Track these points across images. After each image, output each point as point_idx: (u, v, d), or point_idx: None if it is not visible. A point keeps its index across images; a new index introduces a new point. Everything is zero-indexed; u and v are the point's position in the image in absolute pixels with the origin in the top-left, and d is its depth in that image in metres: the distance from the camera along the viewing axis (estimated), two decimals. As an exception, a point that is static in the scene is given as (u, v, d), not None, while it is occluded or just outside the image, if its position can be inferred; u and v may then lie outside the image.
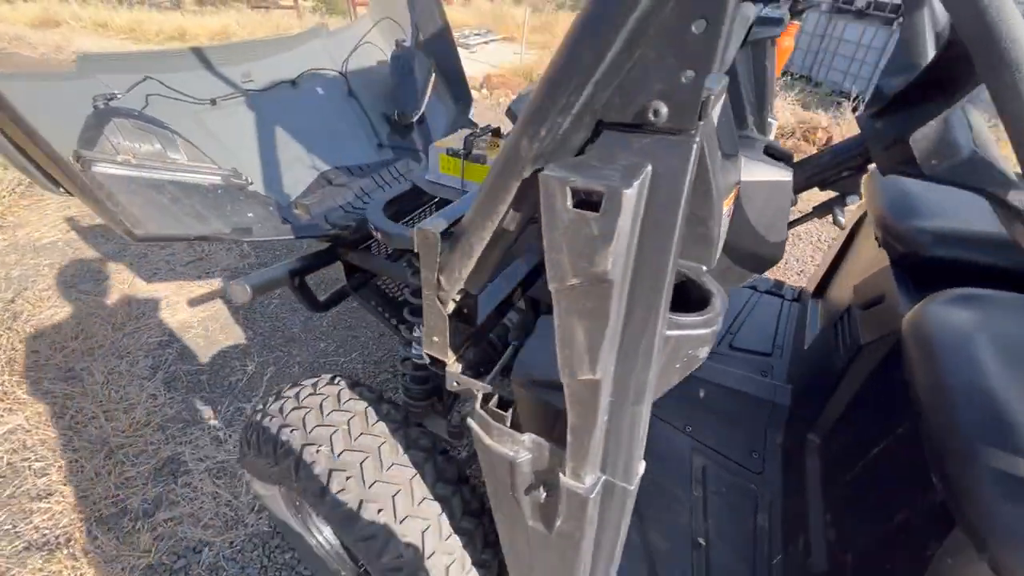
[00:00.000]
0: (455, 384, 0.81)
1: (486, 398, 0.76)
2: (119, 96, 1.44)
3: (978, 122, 0.99)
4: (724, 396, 1.77)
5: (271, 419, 1.18)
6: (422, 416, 1.53)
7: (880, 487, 1.02)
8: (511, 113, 1.47)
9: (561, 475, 0.67)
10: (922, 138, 0.96)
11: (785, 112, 5.99)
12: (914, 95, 0.99)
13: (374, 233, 1.44)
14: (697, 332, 0.62)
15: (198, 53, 1.85)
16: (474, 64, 8.39)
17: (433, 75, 2.32)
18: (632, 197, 0.50)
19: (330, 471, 1.06)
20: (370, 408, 1.17)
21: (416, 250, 0.72)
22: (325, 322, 2.83)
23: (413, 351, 1.30)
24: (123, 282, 3.05)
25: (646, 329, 0.56)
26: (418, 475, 1.09)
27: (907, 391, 0.92)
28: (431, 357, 0.83)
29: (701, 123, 0.47)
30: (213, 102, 1.80)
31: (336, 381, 1.26)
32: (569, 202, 0.53)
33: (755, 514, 1.44)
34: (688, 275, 0.71)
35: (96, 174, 1.26)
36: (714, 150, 0.72)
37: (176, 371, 2.45)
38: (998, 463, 0.71)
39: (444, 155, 1.55)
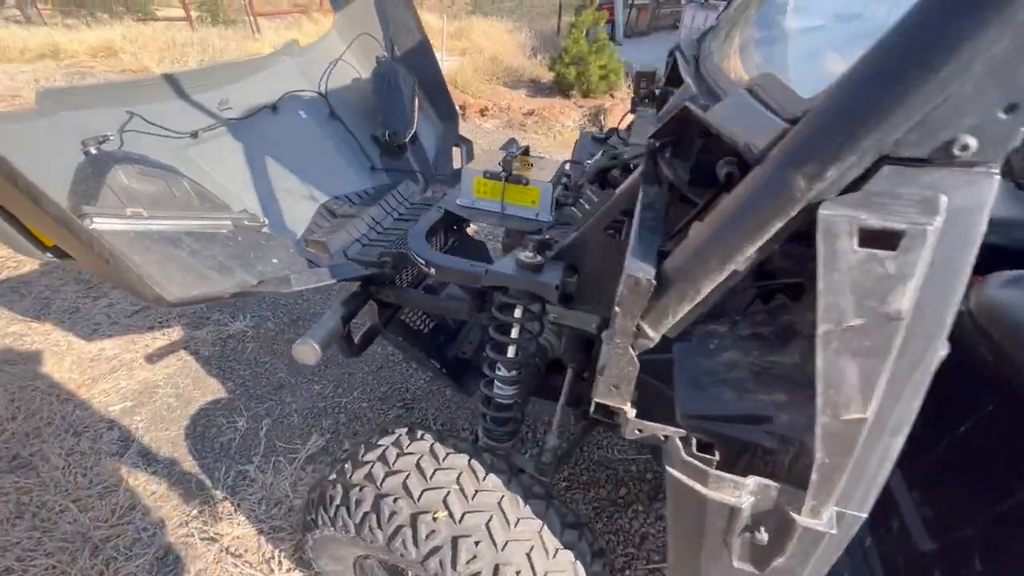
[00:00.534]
0: (637, 432, 0.76)
1: (686, 442, 0.72)
2: (111, 137, 1.22)
3: None
4: None
5: (361, 489, 1.05)
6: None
7: (972, 465, 1.10)
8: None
9: (794, 514, 0.65)
10: None
11: None
12: None
13: (424, 268, 1.35)
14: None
15: (169, 80, 1.63)
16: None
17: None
18: (935, 233, 0.49)
19: (454, 539, 0.96)
20: (474, 461, 1.08)
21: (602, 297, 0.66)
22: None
23: (496, 390, 1.22)
24: (57, 345, 2.62)
25: (922, 362, 0.55)
26: (545, 526, 1.02)
27: (981, 371, 0.99)
28: (601, 406, 0.78)
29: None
30: (194, 135, 1.59)
31: (420, 435, 1.15)
32: (855, 241, 0.51)
33: None
34: None
35: (105, 233, 1.06)
36: None
37: (152, 440, 2.14)
38: None
39: (479, 178, 1.49)
